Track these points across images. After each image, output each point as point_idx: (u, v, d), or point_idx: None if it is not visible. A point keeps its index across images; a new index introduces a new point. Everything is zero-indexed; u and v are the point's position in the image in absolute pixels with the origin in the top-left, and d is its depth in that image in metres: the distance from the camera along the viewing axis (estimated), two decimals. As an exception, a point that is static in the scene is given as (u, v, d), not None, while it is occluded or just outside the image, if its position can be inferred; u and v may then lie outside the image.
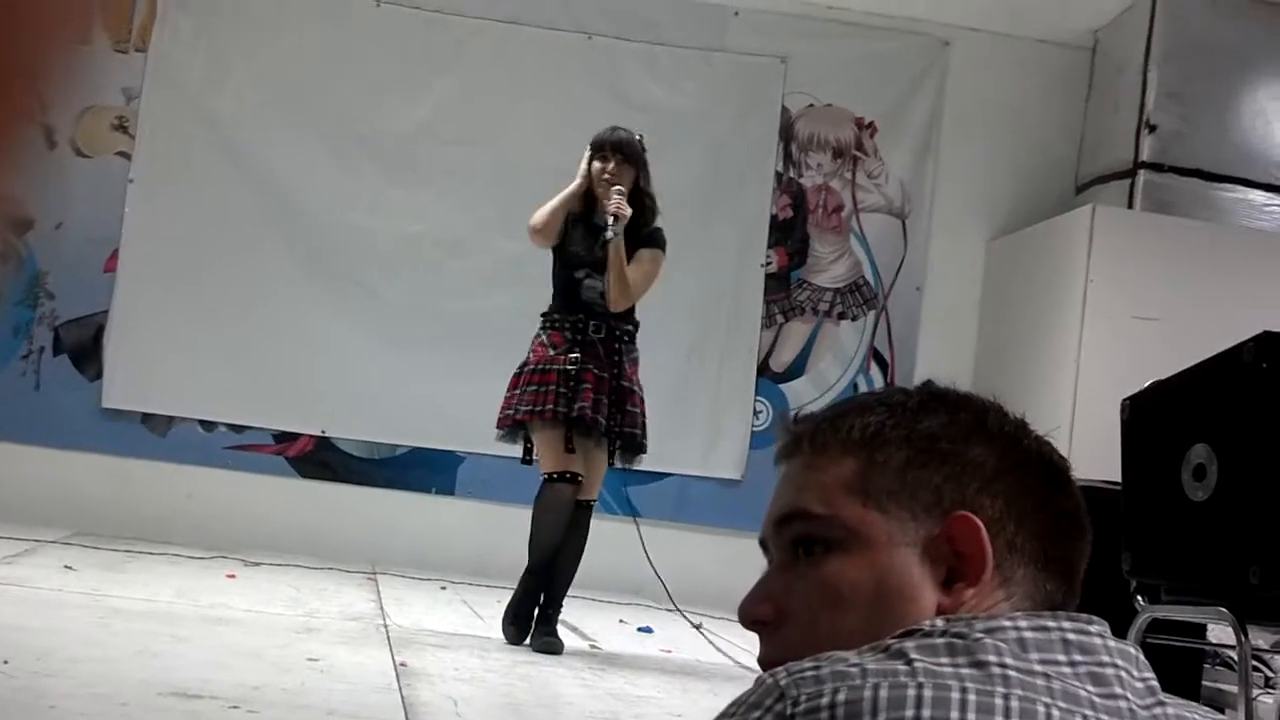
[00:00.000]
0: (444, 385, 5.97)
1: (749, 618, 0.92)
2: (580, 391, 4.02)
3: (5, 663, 2.90)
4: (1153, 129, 5.73)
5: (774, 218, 6.31)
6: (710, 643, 4.12)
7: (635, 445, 4.13)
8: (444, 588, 5.36)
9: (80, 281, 5.99)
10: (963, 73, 6.37)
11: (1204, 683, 3.93)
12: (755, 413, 6.22)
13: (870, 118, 6.35)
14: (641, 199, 4.17)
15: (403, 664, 3.53)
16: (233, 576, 4.97)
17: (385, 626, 4.18)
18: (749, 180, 6.28)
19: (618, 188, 4.08)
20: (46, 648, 3.16)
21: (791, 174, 6.35)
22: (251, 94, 6.10)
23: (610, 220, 4.03)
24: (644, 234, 4.19)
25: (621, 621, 4.86)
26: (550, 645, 4.01)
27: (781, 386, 6.29)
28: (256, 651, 3.46)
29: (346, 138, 6.11)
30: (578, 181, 4.16)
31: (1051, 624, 0.81)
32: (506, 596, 5.32)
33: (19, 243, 5.99)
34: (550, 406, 4.03)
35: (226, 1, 6.14)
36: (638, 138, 4.24)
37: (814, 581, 0.88)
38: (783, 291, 6.31)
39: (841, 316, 6.33)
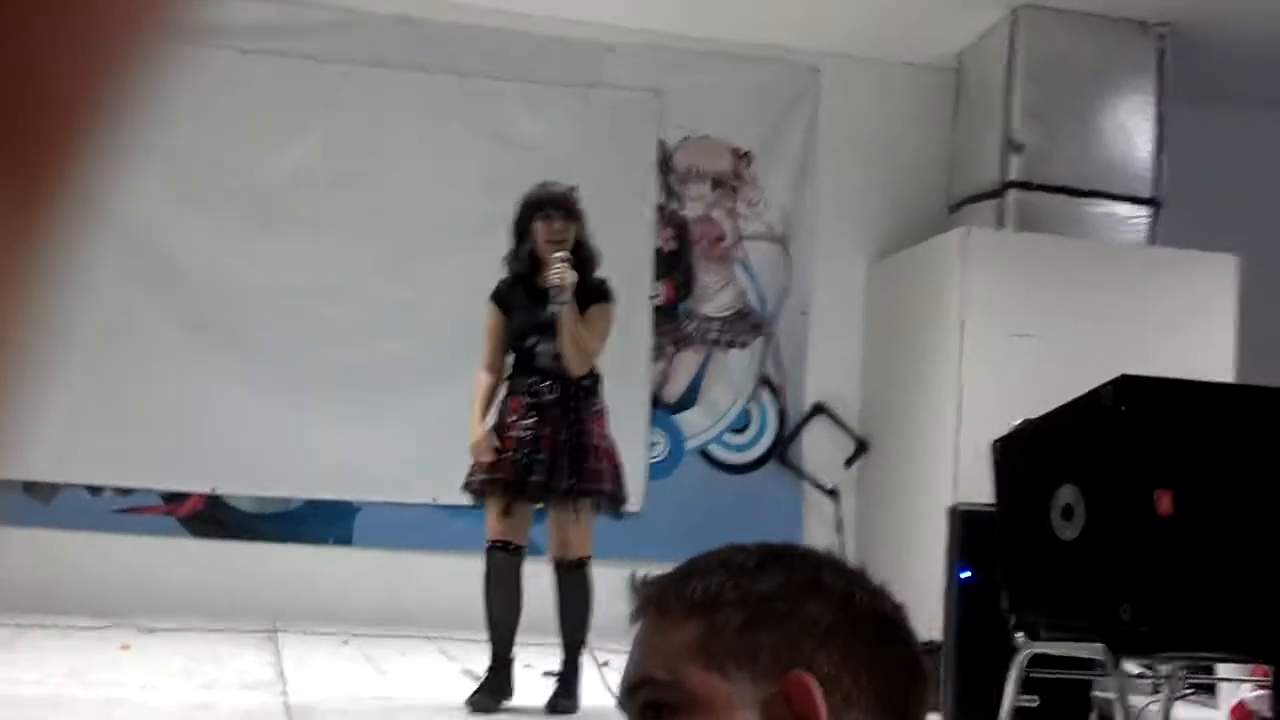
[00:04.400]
0: (334, 435, 5.91)
1: None
2: (536, 462, 3.94)
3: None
4: (1018, 148, 5.89)
5: (658, 250, 6.35)
6: (608, 686, 4.12)
7: (608, 498, 4.04)
8: (346, 642, 5.29)
9: (-48, 348, 5.80)
10: (834, 98, 6.48)
11: (1094, 693, 4.06)
12: (650, 445, 6.26)
13: (746, 147, 6.43)
14: (583, 252, 4.08)
15: (303, 737, 3.49)
16: (127, 648, 4.85)
17: (285, 694, 4.12)
18: (631, 214, 6.31)
19: (559, 255, 3.96)
20: (-70, 751, 3.07)
21: (673, 206, 6.40)
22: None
23: (554, 294, 3.93)
24: (591, 287, 4.10)
25: (528, 666, 4.84)
26: (556, 705, 3.98)
27: (675, 417, 6.34)
28: (151, 735, 3.39)
29: (217, 190, 6.01)
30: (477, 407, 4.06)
31: None
32: (409, 648, 5.28)
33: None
34: (501, 476, 3.96)
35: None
36: (572, 188, 4.17)
37: None
38: (672, 323, 6.36)
39: (730, 344, 6.40)
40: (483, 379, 4.11)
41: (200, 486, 5.97)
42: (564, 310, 3.93)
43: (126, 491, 5.93)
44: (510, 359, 4.11)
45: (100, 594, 5.62)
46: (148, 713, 3.71)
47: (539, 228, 4.03)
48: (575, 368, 4.00)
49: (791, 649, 0.90)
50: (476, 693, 3.92)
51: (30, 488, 5.87)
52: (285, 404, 5.92)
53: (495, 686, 3.95)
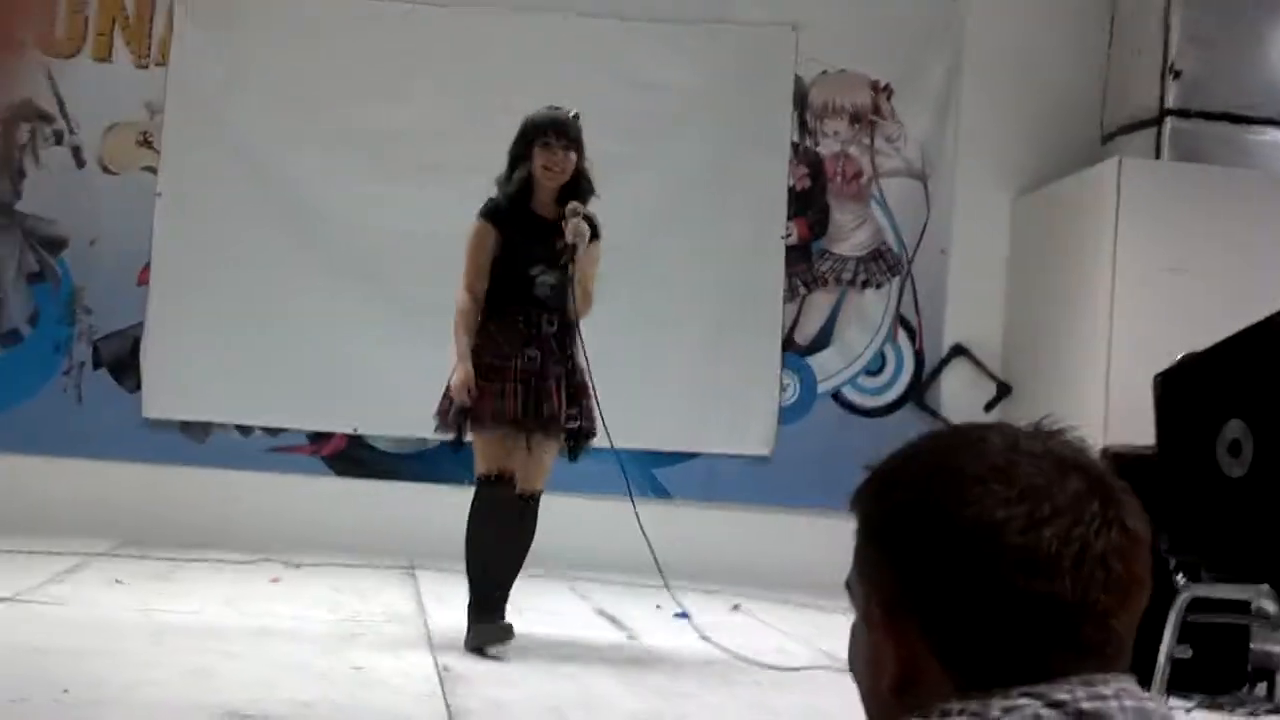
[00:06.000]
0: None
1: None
2: (545, 390, 3.89)
3: (65, 691, 2.95)
4: (1177, 74, 5.61)
5: (792, 189, 6.23)
6: (705, 638, 4.09)
7: (589, 437, 4.03)
8: (483, 580, 5.37)
9: (115, 296, 6.08)
10: (979, 25, 6.22)
11: (1253, 645, 3.89)
12: (782, 387, 6.18)
13: (886, 80, 6.24)
14: (579, 182, 3.98)
15: (445, 668, 3.56)
16: (276, 580, 5.02)
17: (427, 627, 4.22)
18: (764, 153, 6.21)
19: (573, 206, 3.88)
20: (102, 673, 3.21)
21: (808, 143, 6.27)
22: (271, 102, 6.13)
23: (569, 251, 3.85)
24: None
25: (658, 607, 4.86)
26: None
27: (808, 360, 6.25)
28: (303, 664, 3.50)
29: (359, 136, 6.10)
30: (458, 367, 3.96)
31: (1066, 696, 0.79)
32: (542, 585, 5.37)
33: (55, 261, 6.10)
34: (511, 405, 3.87)
35: (241, 13, 6.16)
36: (574, 115, 4.01)
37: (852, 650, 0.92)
38: (804, 263, 6.25)
39: (865, 285, 6.26)
40: (466, 302, 3.99)
41: (343, 426, 6.13)
42: (579, 264, 3.86)
43: (275, 431, 6.12)
44: (495, 285, 3.99)
45: (249, 531, 5.81)
46: (300, 640, 3.83)
47: (539, 154, 3.94)
48: (584, 313, 3.94)
49: (898, 582, 0.85)
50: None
51: (186, 427, 6.11)
52: (425, 348, 5.96)
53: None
